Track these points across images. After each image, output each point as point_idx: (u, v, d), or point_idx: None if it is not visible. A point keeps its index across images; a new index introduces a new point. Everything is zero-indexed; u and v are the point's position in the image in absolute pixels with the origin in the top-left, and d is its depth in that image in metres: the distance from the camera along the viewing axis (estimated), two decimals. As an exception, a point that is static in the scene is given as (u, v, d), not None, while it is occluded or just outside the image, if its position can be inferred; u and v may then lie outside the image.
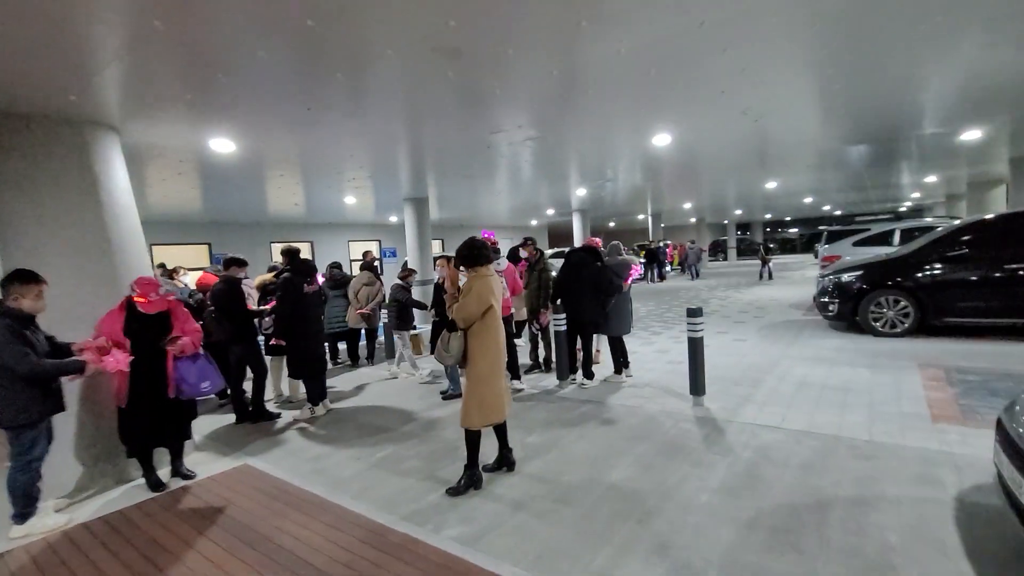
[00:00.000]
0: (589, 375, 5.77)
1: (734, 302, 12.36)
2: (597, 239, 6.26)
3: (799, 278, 18.09)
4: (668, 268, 23.10)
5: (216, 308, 5.06)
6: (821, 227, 13.05)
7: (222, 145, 5.86)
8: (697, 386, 4.80)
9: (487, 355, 3.30)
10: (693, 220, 28.33)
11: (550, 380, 6.05)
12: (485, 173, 9.31)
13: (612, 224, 29.26)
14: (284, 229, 16.73)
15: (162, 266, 7.57)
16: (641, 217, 24.44)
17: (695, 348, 4.75)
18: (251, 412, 5.21)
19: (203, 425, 5.20)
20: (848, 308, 7.63)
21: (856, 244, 10.95)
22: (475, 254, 3.36)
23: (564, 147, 7.49)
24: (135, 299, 3.64)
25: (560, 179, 10.92)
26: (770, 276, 18.34)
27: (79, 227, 4.07)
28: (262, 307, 5.39)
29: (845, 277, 7.73)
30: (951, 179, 15.46)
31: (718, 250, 35.28)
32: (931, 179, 14.97)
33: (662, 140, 7.15)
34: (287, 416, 5.35)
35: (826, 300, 7.97)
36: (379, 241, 19.74)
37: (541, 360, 6.66)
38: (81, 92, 3.70)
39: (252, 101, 4.49)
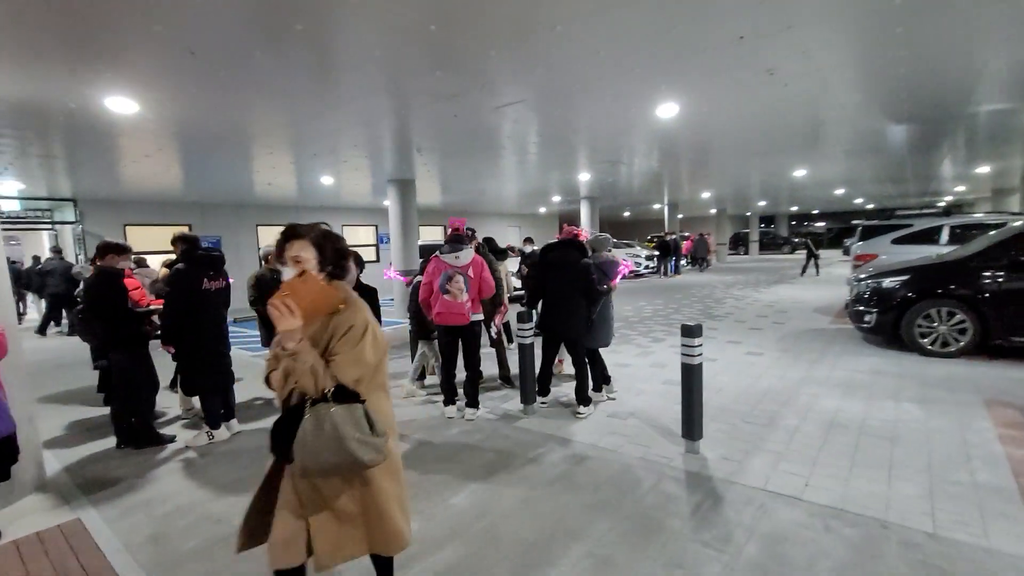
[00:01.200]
0: (585, 400, 4.56)
1: (752, 303, 11.06)
2: (580, 229, 5.05)
3: (825, 276, 16.59)
4: (684, 262, 21.68)
5: (85, 305, 4.05)
6: (855, 221, 11.61)
7: (122, 105, 4.83)
8: (692, 428, 3.64)
9: (392, 425, 1.95)
10: (713, 211, 26.73)
11: (513, 403, 4.93)
12: (468, 151, 8.15)
13: (627, 214, 27.84)
14: (272, 212, 15.81)
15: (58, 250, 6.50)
16: (657, 207, 23.02)
17: (690, 379, 3.58)
18: (135, 434, 4.21)
19: (77, 450, 4.22)
20: (889, 320, 6.33)
21: (896, 242, 9.52)
22: (340, 261, 1.85)
23: (554, 119, 6.29)
24: None
25: (560, 161, 9.69)
26: (803, 272, 17.29)
27: None
28: (149, 306, 4.36)
29: (887, 282, 6.41)
30: (1003, 171, 13.77)
31: (739, 243, 33.56)
32: (982, 170, 13.32)
33: (668, 111, 5.90)
34: (185, 439, 4.34)
35: (861, 309, 6.67)
36: (376, 226, 18.74)
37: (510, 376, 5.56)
38: None
39: (113, 42, 3.42)
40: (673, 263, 19.46)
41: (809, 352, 6.48)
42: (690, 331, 3.54)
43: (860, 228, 10.51)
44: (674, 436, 3.92)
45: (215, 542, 2.82)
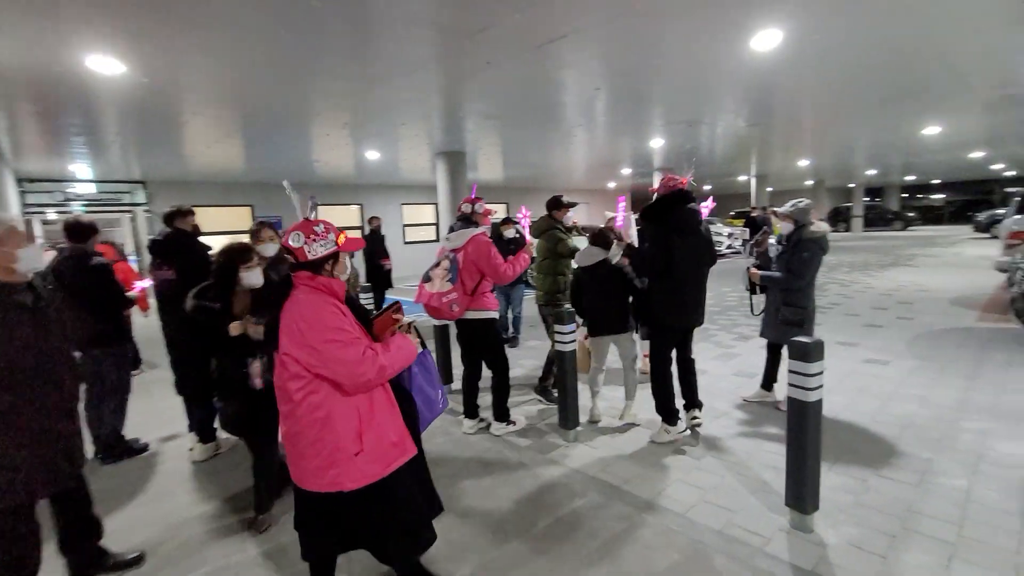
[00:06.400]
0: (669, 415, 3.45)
1: (863, 291, 9.14)
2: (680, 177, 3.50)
3: (952, 258, 13.79)
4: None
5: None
6: (1012, 189, 9.26)
7: (105, 65, 4.23)
8: (803, 496, 2.43)
9: None
10: (810, 183, 23.71)
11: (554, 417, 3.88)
12: (526, 113, 7.03)
13: (707, 187, 25.39)
14: (333, 191, 15.59)
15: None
16: (743, 179, 20.63)
17: (803, 424, 2.36)
18: (106, 444, 3.65)
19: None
20: (1084, 322, 4.58)
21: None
22: None
23: (624, 65, 5.08)
24: None
25: (630, 123, 8.32)
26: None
27: None
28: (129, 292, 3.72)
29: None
30: None
31: (839, 219, 29.83)
32: None
33: (767, 41, 4.47)
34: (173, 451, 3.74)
35: (1038, 305, 4.93)
36: (435, 204, 18.13)
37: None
38: None
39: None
40: (761, 242, 17.28)
41: (959, 362, 4.86)
42: (804, 351, 2.31)
43: (1018, 199, 8.25)
44: (770, 495, 2.72)
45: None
